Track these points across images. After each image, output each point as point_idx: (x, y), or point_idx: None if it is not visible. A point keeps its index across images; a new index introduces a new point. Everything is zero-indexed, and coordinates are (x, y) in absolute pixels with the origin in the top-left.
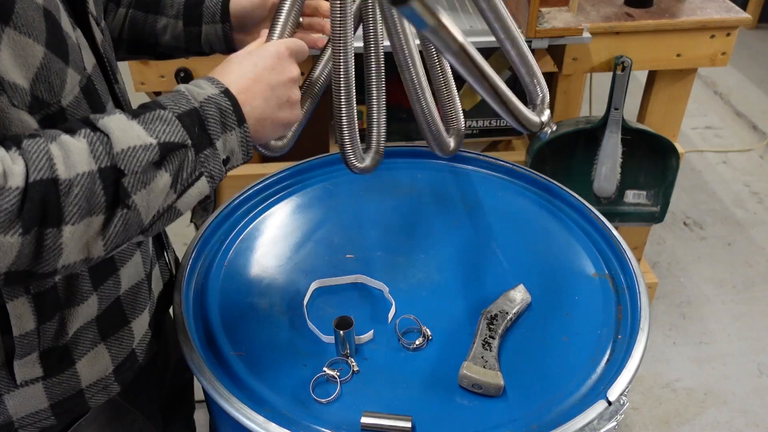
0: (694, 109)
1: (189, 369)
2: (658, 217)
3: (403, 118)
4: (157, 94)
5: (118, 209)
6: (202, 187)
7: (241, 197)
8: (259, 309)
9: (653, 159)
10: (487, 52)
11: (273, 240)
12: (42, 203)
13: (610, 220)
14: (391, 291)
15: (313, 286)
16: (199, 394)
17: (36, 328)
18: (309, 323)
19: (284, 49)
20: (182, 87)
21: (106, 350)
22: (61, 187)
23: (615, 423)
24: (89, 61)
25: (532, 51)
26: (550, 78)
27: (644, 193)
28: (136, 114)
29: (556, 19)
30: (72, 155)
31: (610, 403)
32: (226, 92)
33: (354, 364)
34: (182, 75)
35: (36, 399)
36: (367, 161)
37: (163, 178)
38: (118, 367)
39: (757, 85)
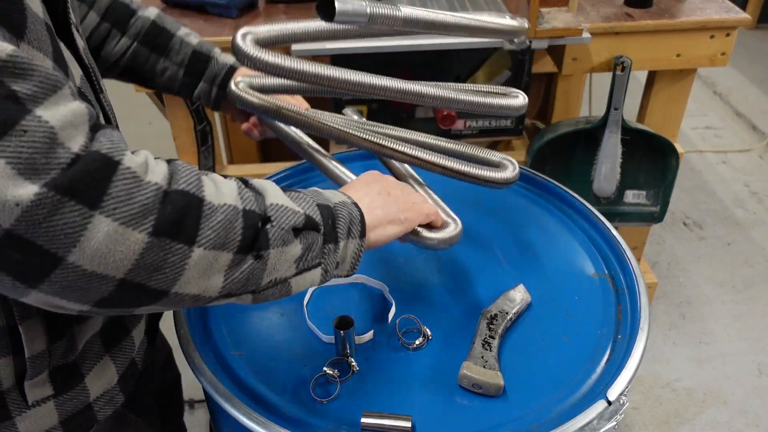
0: (694, 109)
1: (174, 368)
2: (657, 217)
3: (404, 118)
4: (158, 94)
5: (250, 255)
6: (315, 276)
7: None
8: (259, 309)
9: (653, 159)
10: (486, 52)
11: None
12: (181, 212)
13: (610, 220)
14: (391, 291)
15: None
16: (199, 394)
17: (47, 347)
18: (309, 323)
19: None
20: (316, 188)
21: (111, 361)
22: (204, 207)
23: (615, 423)
24: (76, 72)
25: (532, 51)
26: (550, 78)
27: (644, 193)
28: (284, 188)
29: (556, 19)
30: (222, 187)
31: (610, 403)
32: (356, 204)
33: (354, 364)
34: None
35: (47, 418)
36: None
37: (297, 248)
38: (122, 376)
39: (757, 85)
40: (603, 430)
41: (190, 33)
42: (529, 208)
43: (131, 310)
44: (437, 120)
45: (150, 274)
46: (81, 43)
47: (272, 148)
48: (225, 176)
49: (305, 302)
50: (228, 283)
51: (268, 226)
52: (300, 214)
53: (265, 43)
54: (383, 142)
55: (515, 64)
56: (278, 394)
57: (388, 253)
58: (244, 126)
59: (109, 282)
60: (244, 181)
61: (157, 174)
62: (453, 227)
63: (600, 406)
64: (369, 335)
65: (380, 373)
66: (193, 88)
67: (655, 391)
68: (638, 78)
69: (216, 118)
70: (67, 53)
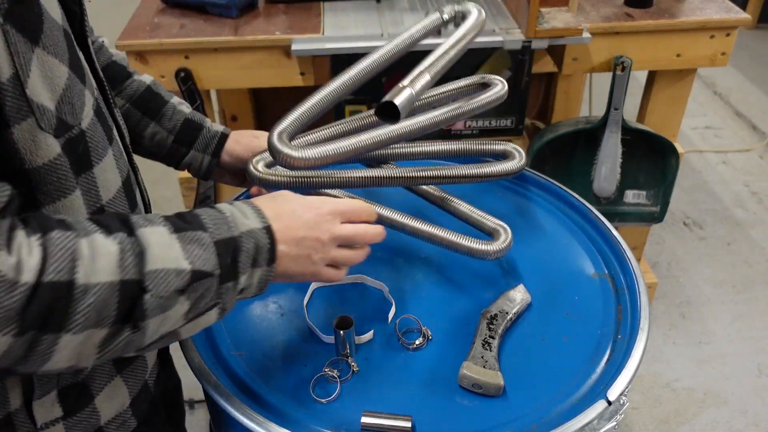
0: (694, 109)
1: (175, 375)
2: (657, 217)
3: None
4: None
5: (126, 328)
6: (211, 317)
7: (241, 197)
8: (259, 309)
9: (653, 159)
10: (486, 52)
11: None
12: (49, 307)
13: (610, 220)
14: (391, 291)
15: (313, 286)
16: (199, 394)
17: None
18: (309, 323)
19: (329, 210)
20: (227, 209)
21: (123, 383)
22: (75, 292)
23: (615, 423)
24: (92, 85)
25: (532, 51)
26: (550, 78)
27: (644, 193)
28: (176, 227)
29: (556, 19)
30: (99, 260)
31: (610, 403)
32: (268, 229)
33: (354, 364)
34: (182, 75)
35: None
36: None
37: (183, 306)
38: (134, 399)
39: (757, 85)
40: (603, 430)
41: (182, 102)
42: (529, 208)
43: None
44: None
45: (16, 364)
46: (96, 59)
47: None
48: (114, 228)
49: (305, 302)
50: (103, 353)
51: (146, 296)
52: (185, 273)
53: (295, 138)
54: (409, 175)
55: (515, 64)
56: (278, 394)
57: (388, 253)
58: (254, 190)
59: None
60: (129, 230)
61: (29, 270)
62: (504, 237)
63: (600, 406)
64: (369, 335)
65: (380, 373)
66: (182, 156)
67: (655, 391)
68: (638, 78)
69: (216, 118)
70: (84, 64)
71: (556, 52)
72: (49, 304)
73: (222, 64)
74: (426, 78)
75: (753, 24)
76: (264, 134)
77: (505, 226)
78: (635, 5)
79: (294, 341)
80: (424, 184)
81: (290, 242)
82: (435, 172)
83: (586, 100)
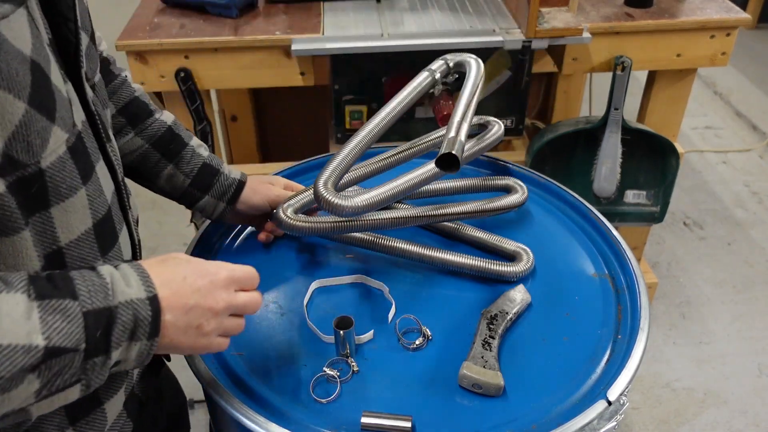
0: (694, 109)
1: (182, 394)
2: (657, 217)
3: (403, 118)
4: (157, 94)
5: None
6: (70, 394)
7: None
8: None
9: (653, 159)
10: (487, 52)
11: (273, 240)
12: None
13: (610, 220)
14: (391, 291)
15: (313, 286)
16: (199, 394)
17: None
18: (309, 323)
19: (225, 277)
20: (107, 274)
21: None
22: None
23: (615, 423)
24: (78, 117)
25: (532, 51)
26: (550, 78)
27: (644, 193)
28: (39, 294)
29: (556, 19)
30: None
31: (610, 403)
32: (153, 299)
33: (354, 364)
34: (182, 75)
35: None
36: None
37: (32, 385)
38: None
39: (757, 85)
40: (603, 430)
41: (201, 144)
42: (529, 208)
43: None
44: (437, 120)
45: None
46: (90, 93)
47: (272, 148)
48: None
49: (305, 302)
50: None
51: None
52: (37, 350)
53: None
54: (433, 213)
55: (515, 64)
56: (278, 394)
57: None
58: (262, 237)
59: None
60: None
61: None
62: (526, 259)
63: (600, 406)
64: (369, 335)
65: (380, 373)
66: (197, 200)
67: (655, 391)
68: (638, 78)
69: (216, 118)
70: (73, 95)
71: (556, 52)
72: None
73: (222, 64)
74: (466, 126)
75: (753, 24)
76: (278, 180)
77: (526, 247)
78: (635, 5)
79: (294, 341)
80: (447, 221)
81: (179, 311)
82: (456, 209)
83: (586, 100)
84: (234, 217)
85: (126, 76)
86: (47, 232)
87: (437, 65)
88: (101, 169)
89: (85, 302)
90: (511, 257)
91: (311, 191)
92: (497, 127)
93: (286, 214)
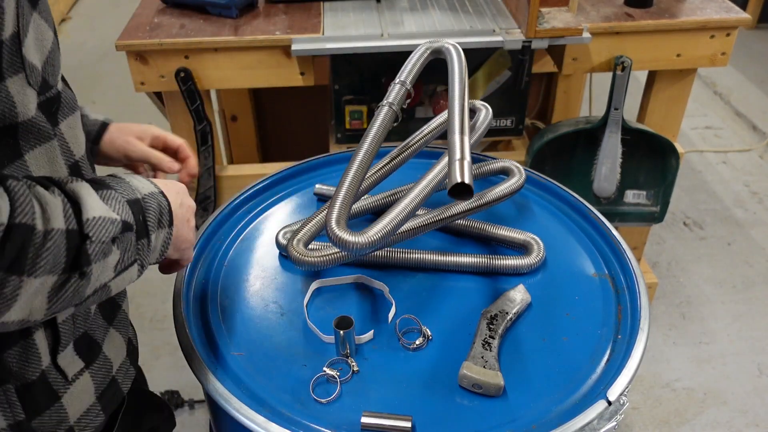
0: (694, 109)
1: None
2: (657, 217)
3: (403, 118)
4: (158, 94)
5: (74, 275)
6: (133, 273)
7: (241, 197)
8: (259, 309)
9: (653, 159)
10: (486, 52)
11: (273, 240)
12: (21, 248)
13: (610, 220)
14: (391, 291)
15: (313, 286)
16: (199, 394)
17: (72, 314)
18: (309, 323)
19: (183, 186)
20: (124, 176)
21: (117, 333)
22: (35, 238)
23: (615, 423)
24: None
25: (532, 51)
26: (550, 78)
27: (644, 193)
28: (96, 186)
29: (556, 19)
30: (49, 208)
31: (610, 403)
32: (162, 193)
33: (354, 364)
34: (182, 75)
35: (86, 393)
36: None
37: (116, 255)
38: (128, 351)
39: (757, 85)
40: (603, 430)
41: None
42: (529, 208)
43: None
44: None
45: None
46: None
47: (272, 148)
48: (47, 184)
49: (305, 302)
50: (53, 305)
51: (88, 243)
52: (117, 222)
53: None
54: (440, 217)
55: (515, 64)
56: (278, 394)
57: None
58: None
59: None
60: (62, 190)
61: (2, 211)
62: (537, 251)
63: (600, 406)
64: (369, 335)
65: (380, 373)
66: None
67: (655, 391)
68: (638, 78)
69: (216, 118)
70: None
71: (556, 52)
72: (20, 245)
73: (222, 64)
74: (467, 142)
75: (753, 24)
76: (147, 132)
77: (536, 237)
78: (635, 5)
79: (294, 341)
80: (453, 221)
81: (176, 205)
82: (459, 207)
83: (586, 100)
84: (105, 161)
85: None
86: (65, 145)
87: (394, 93)
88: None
89: (123, 194)
90: (521, 248)
91: (316, 220)
92: (485, 112)
93: (297, 250)
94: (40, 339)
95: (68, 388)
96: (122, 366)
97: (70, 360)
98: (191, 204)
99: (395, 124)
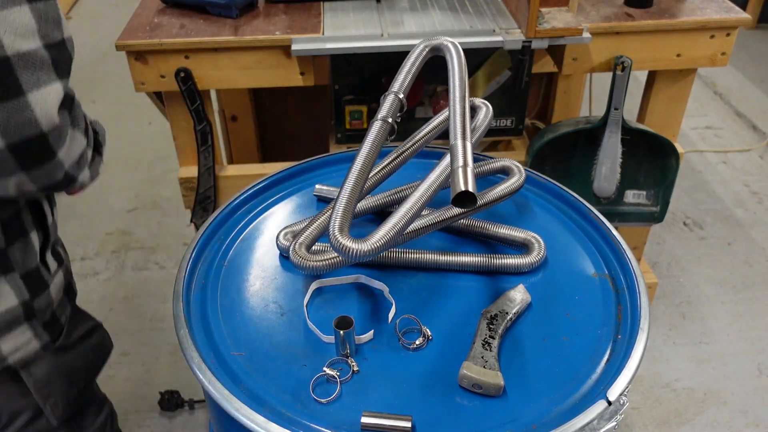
0: (694, 109)
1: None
2: (657, 217)
3: (404, 118)
4: (158, 94)
5: (98, 153)
6: (99, 166)
7: (241, 197)
8: (259, 309)
9: (653, 159)
10: (486, 52)
11: (273, 240)
12: (98, 144)
13: (610, 220)
14: (391, 291)
15: (313, 286)
16: (199, 394)
17: (53, 219)
18: (309, 323)
19: None
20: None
21: (60, 248)
22: (101, 143)
23: (615, 423)
24: None
25: (532, 51)
26: (550, 78)
27: (644, 193)
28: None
29: (556, 19)
30: (98, 132)
31: (610, 403)
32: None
33: (354, 364)
34: (182, 75)
35: (60, 286)
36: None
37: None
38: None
39: (757, 85)
40: (603, 430)
41: None
42: (529, 208)
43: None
44: None
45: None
46: None
47: (272, 148)
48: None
49: (305, 302)
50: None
51: (101, 147)
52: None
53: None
54: (442, 217)
55: (515, 64)
56: (278, 394)
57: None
58: None
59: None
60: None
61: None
62: (537, 250)
63: (600, 406)
64: (369, 335)
65: (380, 373)
66: None
67: (655, 391)
68: (638, 78)
69: (216, 118)
70: None
71: (556, 52)
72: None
73: (222, 64)
74: (469, 147)
75: (753, 24)
76: None
77: (537, 236)
78: (635, 5)
79: (294, 341)
80: (455, 222)
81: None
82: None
83: (586, 100)
84: None
85: None
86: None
87: (387, 105)
88: None
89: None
90: (521, 246)
91: (318, 223)
92: (485, 110)
93: (299, 254)
94: (34, 237)
95: (52, 280)
96: (68, 272)
97: (51, 260)
98: None
99: (391, 137)
